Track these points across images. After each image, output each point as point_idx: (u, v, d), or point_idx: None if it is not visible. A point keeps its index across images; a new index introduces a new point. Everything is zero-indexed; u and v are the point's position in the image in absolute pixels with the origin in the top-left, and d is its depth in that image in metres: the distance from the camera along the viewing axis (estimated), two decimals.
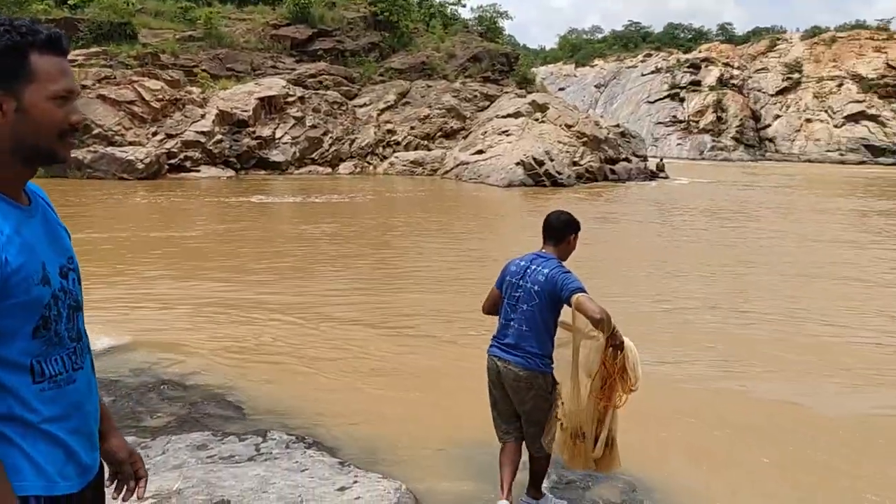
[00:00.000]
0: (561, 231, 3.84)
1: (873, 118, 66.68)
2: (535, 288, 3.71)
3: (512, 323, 3.81)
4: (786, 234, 17.21)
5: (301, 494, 3.89)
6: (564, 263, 3.81)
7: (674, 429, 5.52)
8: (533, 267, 3.77)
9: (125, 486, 1.83)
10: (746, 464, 4.96)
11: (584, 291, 3.53)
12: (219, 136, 30.11)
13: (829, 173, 48.71)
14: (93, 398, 1.67)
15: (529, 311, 3.74)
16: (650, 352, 5.79)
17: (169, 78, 30.86)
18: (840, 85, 70.49)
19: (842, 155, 66.04)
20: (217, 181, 27.68)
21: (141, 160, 27.00)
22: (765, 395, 6.37)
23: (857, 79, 69.42)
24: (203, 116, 30.37)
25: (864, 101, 67.78)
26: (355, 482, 4.12)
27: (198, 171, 28.97)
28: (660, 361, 6.76)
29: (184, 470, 4.15)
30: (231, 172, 29.85)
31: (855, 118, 67.43)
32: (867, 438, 5.46)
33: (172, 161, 28.74)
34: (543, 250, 3.89)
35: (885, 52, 69.99)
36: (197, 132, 29.60)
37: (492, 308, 4.07)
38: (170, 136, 29.20)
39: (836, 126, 68.37)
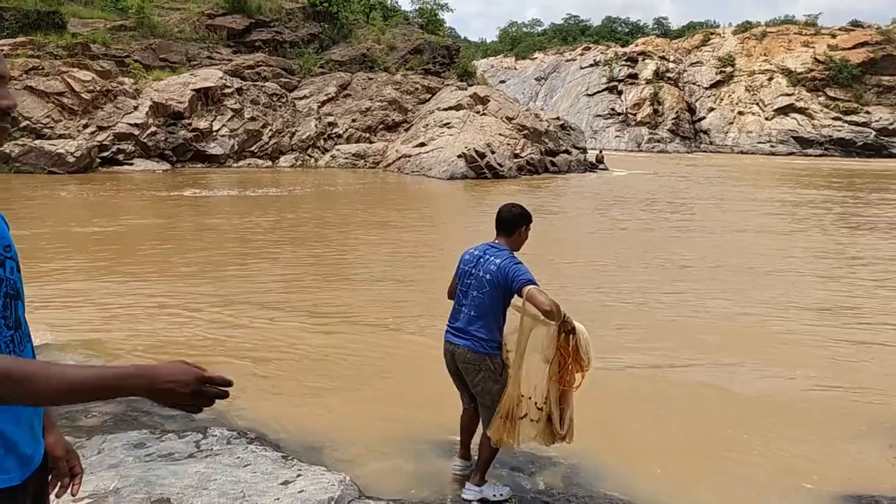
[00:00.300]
0: (512, 223, 3.97)
1: (802, 111, 69.09)
2: (487, 276, 3.85)
3: (463, 308, 3.99)
4: (714, 225, 17.70)
5: (243, 490, 3.83)
6: (516, 254, 3.95)
7: (601, 411, 5.63)
8: (486, 256, 3.92)
9: (59, 483, 1.79)
10: (667, 441, 5.10)
11: (535, 283, 3.66)
12: (153, 129, 29.33)
13: (759, 164, 50.34)
14: None
15: (479, 297, 3.89)
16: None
17: (100, 69, 29.86)
18: (770, 78, 72.78)
19: (772, 147, 68.27)
20: (152, 175, 26.98)
21: (71, 153, 26.11)
22: (685, 377, 6.56)
23: (787, 72, 71.82)
24: (136, 108, 29.52)
25: (793, 94, 70.16)
26: (299, 475, 4.07)
27: (131, 164, 28.17)
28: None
29: (121, 469, 4.04)
30: (167, 166, 29.11)
31: (784, 111, 69.76)
32: (772, 415, 5.67)
33: (105, 154, 27.88)
34: (497, 241, 4.02)
35: (813, 47, 72.53)
36: (130, 124, 28.77)
37: (453, 295, 4.21)
38: (101, 129, 28.31)
39: (766, 118, 70.63)
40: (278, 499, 3.75)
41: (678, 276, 11.47)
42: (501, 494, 4.11)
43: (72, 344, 6.89)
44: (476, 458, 4.22)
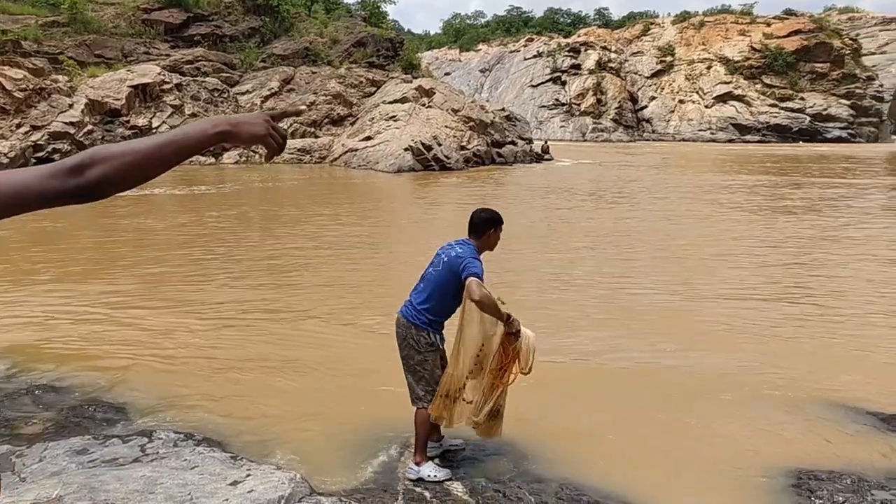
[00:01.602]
0: (481, 226, 4.22)
1: (740, 98, 70.92)
2: (445, 259, 4.15)
3: (418, 284, 4.32)
4: (654, 213, 18.06)
5: (191, 492, 3.77)
6: (486, 253, 4.27)
7: (547, 399, 5.71)
8: (453, 245, 4.21)
9: None
10: (611, 426, 5.20)
11: (479, 278, 3.89)
12: (90, 127, 28.55)
13: (700, 151, 51.47)
14: None
15: (431, 274, 4.22)
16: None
17: (32, 66, 28.88)
18: (709, 67, 74.50)
19: (712, 134, 69.96)
20: None
21: (5, 154, 25.27)
22: (626, 363, 6.70)
23: (724, 61, 73.63)
24: (71, 106, 28.69)
25: (731, 82, 71.97)
26: (248, 475, 4.03)
27: None
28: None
29: (63, 476, 3.93)
30: None
31: (723, 98, 71.53)
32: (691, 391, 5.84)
33: (40, 154, 27.01)
34: (466, 240, 4.27)
35: (749, 36, 74.47)
36: (65, 123, 27.94)
37: None
38: (35, 128, 27.42)
39: (706, 106, 72.32)
40: (227, 499, 3.70)
41: (621, 264, 11.67)
42: (436, 475, 4.25)
43: (5, 349, 6.67)
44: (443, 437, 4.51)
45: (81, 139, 28.09)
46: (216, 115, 32.18)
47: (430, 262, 4.32)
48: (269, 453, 4.61)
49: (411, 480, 4.25)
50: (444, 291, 4.12)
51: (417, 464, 4.28)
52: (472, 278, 3.85)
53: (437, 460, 4.47)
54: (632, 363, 6.70)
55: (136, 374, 6.09)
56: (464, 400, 4.09)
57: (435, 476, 4.25)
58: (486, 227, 4.20)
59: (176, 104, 31.46)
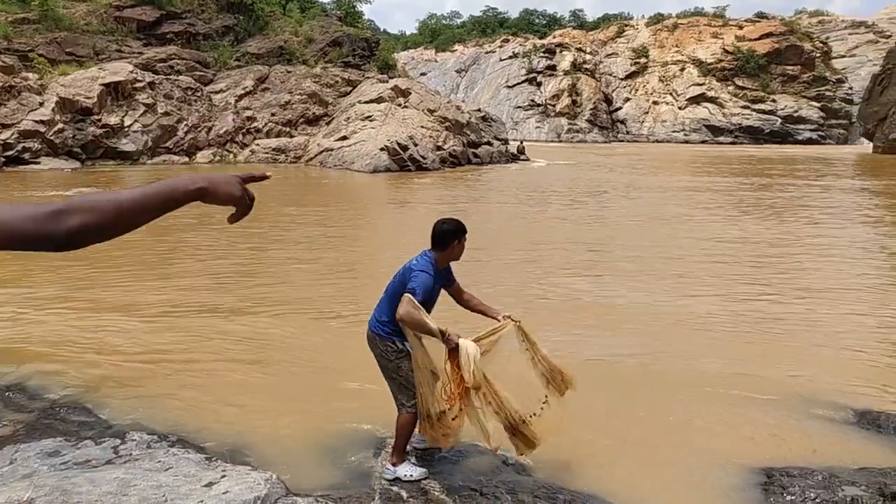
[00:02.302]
0: (445, 238, 4.22)
1: (713, 100, 71.71)
2: (400, 270, 4.24)
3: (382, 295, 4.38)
4: (626, 212, 18.21)
5: (165, 494, 3.73)
6: (454, 264, 4.40)
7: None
8: (414, 258, 4.26)
9: None
10: (588, 427, 5.24)
11: (414, 294, 3.93)
12: (60, 125, 28.12)
13: (673, 153, 51.94)
14: None
15: (390, 285, 4.29)
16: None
17: (2, 63, 28.37)
18: (682, 69, 75.21)
19: (686, 135, 70.64)
20: (60, 173, 25.86)
21: None
22: (606, 363, 6.75)
23: (698, 63, 74.41)
24: (42, 104, 28.24)
25: (704, 83, 72.74)
26: (223, 476, 3.99)
27: (38, 163, 26.96)
28: None
29: (35, 479, 3.87)
30: (76, 164, 27.96)
31: (696, 100, 72.26)
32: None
33: (9, 153, 26.58)
34: (429, 251, 4.31)
35: (722, 38, 75.34)
36: (35, 121, 27.50)
37: None
38: (5, 126, 26.97)
39: (679, 108, 73.02)
40: (202, 501, 3.67)
41: (590, 262, 11.75)
42: (412, 475, 4.25)
43: None
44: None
45: (52, 138, 27.67)
46: (190, 114, 31.97)
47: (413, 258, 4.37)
48: (245, 454, 4.58)
49: (388, 480, 4.24)
50: (393, 303, 4.10)
51: (394, 464, 4.27)
52: (406, 294, 3.93)
53: (412, 458, 4.46)
54: (605, 362, 6.75)
55: (108, 375, 6.02)
56: (452, 419, 4.05)
57: (411, 475, 4.25)
58: (449, 238, 4.20)
59: (148, 103, 31.09)
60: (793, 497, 4.19)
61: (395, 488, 4.16)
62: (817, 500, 4.13)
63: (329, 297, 9.15)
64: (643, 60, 79.12)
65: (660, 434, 5.13)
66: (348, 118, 33.45)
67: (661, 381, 6.20)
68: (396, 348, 4.20)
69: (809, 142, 66.81)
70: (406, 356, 4.18)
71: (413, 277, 4.03)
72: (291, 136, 34.26)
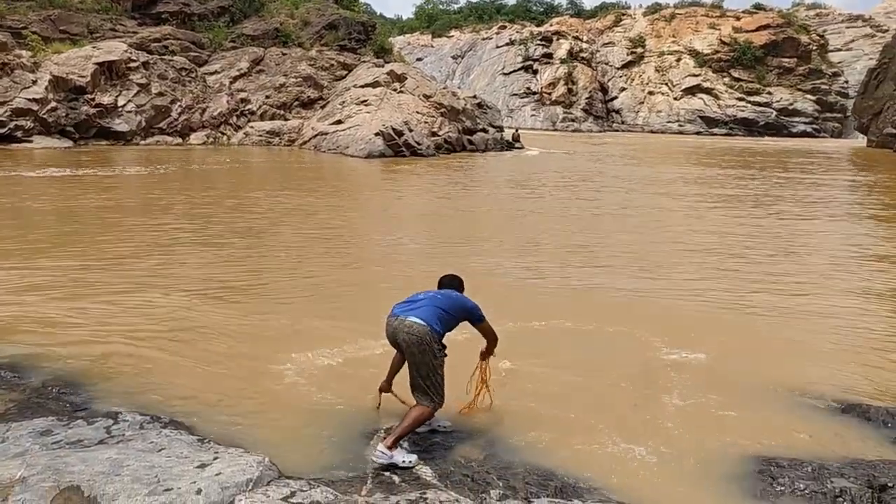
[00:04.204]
0: (461, 284, 5.16)
1: (708, 91, 71.59)
2: (440, 297, 4.82)
3: (416, 296, 4.81)
4: (613, 202, 18.24)
5: (158, 475, 3.73)
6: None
7: (512, 387, 5.75)
8: (462, 296, 4.99)
9: None
10: (580, 412, 5.26)
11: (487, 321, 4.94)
12: (53, 104, 27.89)
13: (667, 143, 51.94)
14: None
15: (433, 298, 4.76)
16: None
17: None
18: (679, 59, 75.00)
19: (681, 126, 70.56)
20: (52, 152, 25.67)
21: None
22: (604, 349, 6.78)
23: (694, 53, 74.18)
24: (35, 82, 27.98)
25: (699, 74, 72.57)
26: (216, 458, 4.00)
27: (30, 141, 26.76)
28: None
29: (27, 457, 3.86)
30: (69, 143, 27.77)
31: (692, 91, 72.11)
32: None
33: (2, 131, 26.35)
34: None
35: (719, 29, 75.08)
36: (28, 99, 27.25)
37: None
38: None
39: (675, 98, 72.88)
40: (195, 482, 3.67)
41: (579, 251, 11.78)
42: (409, 462, 4.27)
43: None
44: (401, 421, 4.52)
45: (45, 116, 27.46)
46: (184, 95, 31.73)
47: (435, 290, 4.96)
48: (237, 436, 4.58)
49: (381, 465, 4.24)
50: (455, 319, 4.75)
51: (389, 448, 4.26)
52: (485, 324, 4.93)
53: (405, 444, 4.47)
54: (596, 352, 6.77)
55: (100, 354, 6.00)
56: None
57: (409, 462, 4.26)
58: (461, 286, 5.10)
59: (142, 83, 30.85)
60: (782, 487, 4.22)
61: (387, 472, 4.18)
62: (806, 491, 4.16)
63: (329, 281, 9.14)
64: (640, 50, 78.84)
65: (650, 423, 5.16)
66: (343, 102, 33.29)
67: (651, 371, 6.22)
68: (443, 347, 4.60)
69: (804, 135, 66.81)
70: (445, 356, 4.61)
71: (474, 309, 4.83)
72: (286, 119, 34.09)
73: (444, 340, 4.63)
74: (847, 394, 5.79)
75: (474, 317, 4.85)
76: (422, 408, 4.43)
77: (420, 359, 4.45)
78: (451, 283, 5.11)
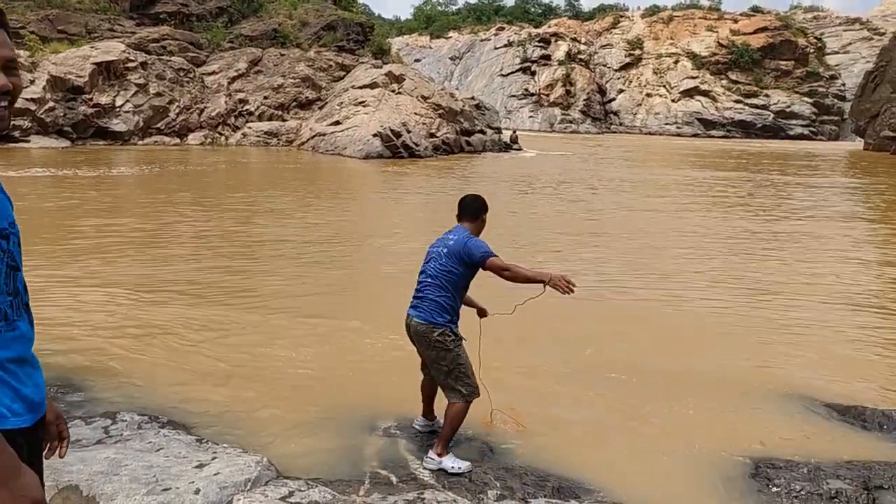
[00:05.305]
0: (475, 210, 4.46)
1: (706, 93, 71.67)
2: (444, 250, 4.33)
3: (420, 283, 4.43)
4: (610, 204, 18.26)
5: (156, 475, 3.74)
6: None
7: (525, 390, 5.76)
8: (446, 236, 4.42)
9: (48, 446, 1.95)
10: (586, 417, 5.28)
11: (494, 255, 4.18)
12: (51, 104, 27.87)
13: (665, 145, 52.00)
14: (31, 350, 1.78)
15: (434, 268, 4.34)
16: None
17: None
18: (676, 62, 75.08)
19: (678, 128, 70.62)
20: (50, 152, 25.65)
21: None
22: (600, 357, 6.80)
23: (692, 56, 74.25)
24: (32, 82, 27.93)
25: (697, 77, 72.65)
26: (214, 458, 4.01)
27: (28, 141, 26.74)
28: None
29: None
30: (66, 143, 27.76)
31: (690, 93, 72.18)
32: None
33: None
34: (460, 226, 4.46)
35: (716, 31, 75.19)
36: (26, 99, 27.18)
37: None
38: None
39: (673, 100, 72.95)
40: (193, 482, 3.68)
41: (575, 252, 11.80)
42: (460, 467, 4.25)
43: None
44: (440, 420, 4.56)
45: (42, 116, 27.46)
46: (182, 95, 31.73)
47: (425, 260, 4.46)
48: (236, 437, 4.59)
49: (430, 471, 4.24)
50: (453, 282, 4.29)
51: (439, 454, 4.27)
52: (489, 260, 4.15)
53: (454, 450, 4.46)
54: (592, 355, 6.79)
55: (98, 354, 6.01)
56: None
57: (459, 468, 4.23)
58: (480, 210, 4.46)
59: (140, 83, 30.83)
60: (778, 489, 4.24)
61: (384, 472, 4.20)
62: (802, 493, 4.18)
63: (335, 283, 9.15)
64: (637, 52, 78.90)
65: (646, 425, 5.18)
66: (341, 103, 33.28)
67: (645, 374, 6.23)
68: (455, 336, 4.31)
69: (801, 137, 66.90)
70: (461, 341, 4.35)
71: (475, 246, 4.22)
72: (284, 120, 34.08)
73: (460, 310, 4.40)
74: (843, 396, 5.81)
75: (475, 259, 4.23)
76: (455, 405, 4.31)
77: (435, 356, 4.32)
78: (472, 204, 4.47)
